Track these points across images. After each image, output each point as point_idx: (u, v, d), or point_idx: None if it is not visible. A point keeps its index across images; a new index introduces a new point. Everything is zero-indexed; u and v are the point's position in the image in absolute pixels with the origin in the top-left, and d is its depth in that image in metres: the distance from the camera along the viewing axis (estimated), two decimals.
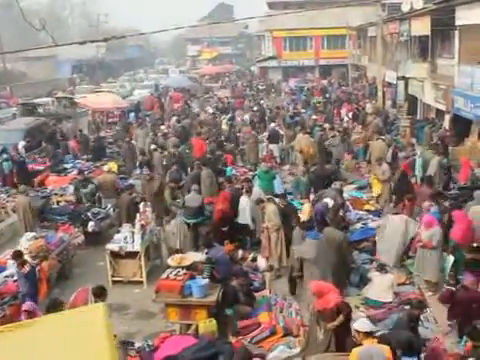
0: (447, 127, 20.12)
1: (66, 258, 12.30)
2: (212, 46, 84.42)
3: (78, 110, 32.63)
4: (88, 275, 11.94)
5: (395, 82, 29.46)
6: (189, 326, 9.50)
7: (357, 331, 7.19)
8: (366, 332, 7.06)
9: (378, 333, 8.18)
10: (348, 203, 14.49)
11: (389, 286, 10.57)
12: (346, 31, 45.00)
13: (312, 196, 14.46)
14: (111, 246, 11.79)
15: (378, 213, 14.69)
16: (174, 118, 25.58)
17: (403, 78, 27.58)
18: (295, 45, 54.57)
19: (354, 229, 13.36)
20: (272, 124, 23.37)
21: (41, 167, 19.27)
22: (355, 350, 6.95)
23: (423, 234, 10.63)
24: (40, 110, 30.82)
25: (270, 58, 55.44)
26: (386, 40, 31.61)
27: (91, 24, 70.20)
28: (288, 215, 12.18)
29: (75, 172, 18.07)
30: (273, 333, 9.22)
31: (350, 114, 25.77)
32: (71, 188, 16.22)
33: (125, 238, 11.83)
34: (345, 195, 14.79)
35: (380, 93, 32.18)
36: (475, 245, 10.29)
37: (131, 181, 17.25)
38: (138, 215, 12.33)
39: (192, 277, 9.70)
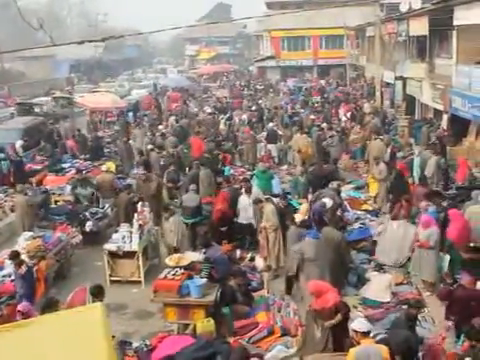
0: (445, 127, 20.14)
1: (64, 258, 12.29)
2: (210, 46, 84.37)
3: (76, 110, 32.59)
4: (86, 275, 11.93)
5: (393, 82, 29.46)
6: (187, 326, 9.51)
7: (355, 331, 7.19)
8: (364, 332, 7.07)
9: (377, 337, 8.19)
10: (346, 203, 14.51)
11: (387, 286, 10.59)
12: (344, 31, 45.02)
13: (310, 196, 14.46)
14: (109, 246, 11.78)
15: (376, 213, 14.73)
16: (172, 118, 25.57)
17: (401, 78, 27.58)
18: (293, 45, 54.56)
19: (352, 229, 13.39)
20: (270, 124, 23.39)
21: (39, 167, 19.25)
22: (352, 350, 6.95)
23: (421, 234, 10.65)
24: (37, 110, 30.79)
25: (268, 58, 55.42)
26: (384, 40, 31.61)
27: (90, 24, 70.24)
28: (285, 215, 12.19)
29: (73, 172, 18.05)
30: (271, 333, 9.24)
31: (348, 114, 25.78)
32: (69, 188, 16.19)
33: (123, 238, 11.83)
34: (343, 195, 14.80)
35: (378, 93, 32.20)
36: (472, 245, 10.31)
37: (129, 181, 17.22)
38: (136, 215, 12.32)
39: (190, 277, 9.69)
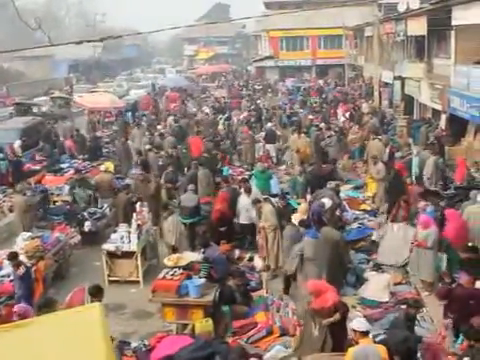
0: (443, 127, 20.16)
1: (62, 258, 12.28)
2: (209, 46, 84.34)
3: (74, 110, 32.56)
4: (84, 275, 11.92)
5: (391, 82, 29.48)
6: (186, 326, 9.51)
7: (354, 330, 7.20)
8: (363, 331, 7.07)
9: (377, 338, 8.20)
10: (345, 203, 14.52)
11: (385, 286, 10.60)
12: (343, 31, 45.03)
13: (308, 196, 14.46)
14: (107, 246, 11.78)
15: (374, 213, 14.74)
16: (171, 118, 25.56)
17: (399, 78, 27.60)
18: (292, 45, 54.58)
19: (350, 229, 13.40)
20: (269, 124, 23.40)
21: (38, 167, 19.24)
22: (351, 349, 6.96)
23: (419, 234, 10.65)
24: (35, 110, 30.77)
25: (267, 58, 55.44)
26: (382, 40, 31.64)
27: (88, 24, 70.14)
28: (284, 215, 12.19)
29: (71, 172, 18.03)
30: (270, 333, 9.23)
31: (347, 114, 25.78)
32: (67, 188, 16.18)
33: (121, 238, 11.83)
34: (342, 195, 14.81)
35: (376, 93, 32.21)
36: (470, 244, 10.32)
37: (128, 181, 17.21)
38: (135, 215, 12.32)
39: (189, 277, 9.70)
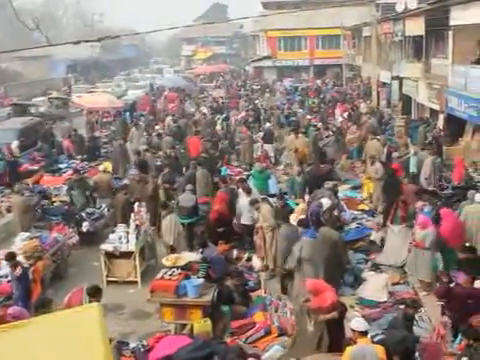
0: (441, 127, 20.19)
1: (61, 258, 12.26)
2: (207, 46, 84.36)
3: (72, 110, 32.54)
4: (83, 275, 11.92)
5: (389, 82, 29.51)
6: (184, 326, 9.51)
7: (352, 330, 7.20)
8: (361, 331, 7.08)
9: (375, 338, 8.21)
10: (343, 203, 14.53)
11: (383, 285, 10.62)
12: (341, 31, 45.04)
13: (307, 196, 14.47)
14: (106, 246, 11.78)
15: (372, 213, 14.75)
16: (169, 118, 25.56)
17: (397, 78, 27.63)
18: (290, 45, 54.58)
19: (349, 229, 13.41)
20: (267, 124, 23.41)
21: (36, 167, 19.21)
22: (349, 349, 6.97)
23: (417, 234, 10.67)
24: (32, 111, 30.74)
25: (265, 58, 55.45)
26: (380, 40, 31.67)
27: (86, 24, 70.10)
28: (281, 215, 12.16)
29: (70, 172, 18.02)
30: (268, 333, 9.23)
31: (345, 114, 25.79)
32: (65, 188, 16.18)
33: (120, 238, 11.83)
34: (340, 195, 14.83)
35: (374, 93, 32.24)
36: (468, 244, 10.34)
37: (126, 181, 17.20)
38: (133, 215, 12.31)
39: (187, 277, 9.70)
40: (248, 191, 13.27)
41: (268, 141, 21.25)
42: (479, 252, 10.42)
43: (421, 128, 20.41)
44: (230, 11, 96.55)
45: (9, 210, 15.07)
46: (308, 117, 25.05)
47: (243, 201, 13.08)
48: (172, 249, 11.96)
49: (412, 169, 15.77)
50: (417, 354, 7.80)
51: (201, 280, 9.57)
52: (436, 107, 21.30)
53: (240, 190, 13.79)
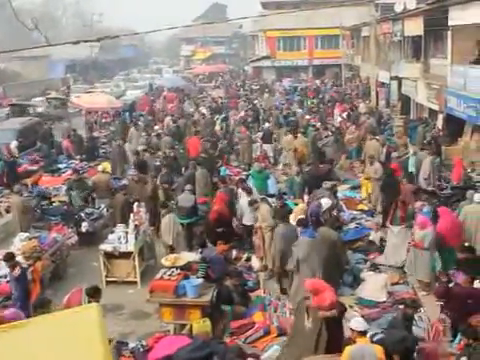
0: (440, 127, 20.20)
1: (60, 258, 12.26)
2: (206, 46, 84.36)
3: (71, 110, 32.53)
4: (82, 275, 11.92)
5: (388, 82, 29.53)
6: (183, 326, 9.50)
7: (351, 329, 7.21)
8: (360, 331, 7.08)
9: (375, 338, 8.21)
10: (342, 203, 14.53)
11: (382, 285, 10.62)
12: (340, 31, 45.06)
13: (306, 196, 14.47)
14: (105, 246, 11.78)
15: (371, 213, 14.76)
16: (168, 118, 25.55)
17: (396, 78, 27.65)
18: (289, 45, 54.58)
19: (348, 229, 13.41)
20: (266, 124, 23.41)
21: (35, 167, 19.19)
22: (348, 348, 6.98)
23: (416, 234, 10.67)
24: (30, 111, 30.72)
25: (264, 58, 55.44)
26: (379, 40, 31.69)
27: (85, 24, 70.08)
28: (280, 215, 12.16)
29: (69, 172, 18.01)
30: (267, 333, 9.24)
31: (344, 114, 25.79)
32: (64, 188, 16.17)
33: (119, 238, 11.82)
34: (339, 195, 14.83)
35: (373, 93, 32.24)
36: (467, 244, 10.35)
37: (125, 181, 17.19)
38: (132, 215, 12.31)
39: (186, 277, 9.70)
40: (249, 191, 13.27)
41: (267, 141, 21.25)
42: (478, 252, 10.45)
43: (420, 128, 20.42)
44: (229, 11, 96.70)
45: (8, 210, 15.06)
46: (307, 117, 25.06)
47: (244, 201, 13.06)
48: (171, 249, 11.97)
49: (411, 169, 15.77)
50: (415, 355, 7.83)
51: (200, 280, 9.57)
52: (435, 107, 21.31)
53: (241, 190, 13.82)
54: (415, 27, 23.21)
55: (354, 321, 7.28)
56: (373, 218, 14.36)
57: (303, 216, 11.83)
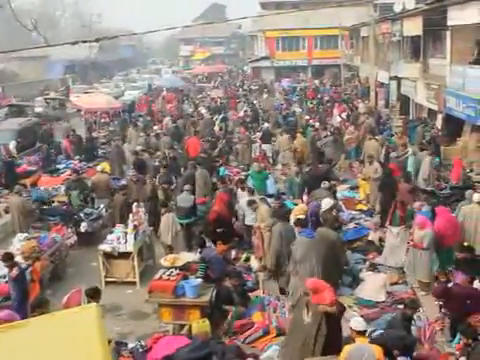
0: (439, 127, 20.21)
1: (59, 259, 12.26)
2: (205, 46, 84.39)
3: (69, 111, 32.51)
4: (81, 276, 11.92)
5: (387, 82, 29.55)
6: (182, 326, 9.51)
7: (351, 329, 7.21)
8: (359, 331, 7.08)
9: (373, 334, 8.21)
10: (341, 203, 14.53)
11: (382, 285, 10.62)
12: (339, 31, 45.08)
13: (305, 197, 14.47)
14: (104, 246, 11.77)
15: (370, 213, 14.76)
16: (167, 118, 25.55)
17: (395, 78, 27.68)
18: (288, 45, 54.62)
19: (347, 229, 13.41)
20: (265, 124, 23.41)
21: (34, 168, 19.17)
22: (347, 347, 6.99)
23: (415, 234, 10.68)
24: (28, 111, 30.70)
25: (263, 58, 55.46)
26: (378, 40, 31.70)
27: (84, 24, 70.08)
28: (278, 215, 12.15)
29: (68, 172, 17.98)
30: (266, 333, 9.25)
31: (343, 114, 25.79)
32: (63, 189, 16.15)
33: (118, 238, 11.81)
34: (338, 195, 14.83)
35: (373, 93, 32.25)
36: (466, 244, 10.35)
37: (124, 182, 17.17)
38: (131, 216, 12.31)
39: (185, 277, 9.70)
40: (251, 191, 13.29)
41: (266, 141, 21.27)
42: (477, 252, 10.46)
43: (419, 128, 20.45)
44: (228, 11, 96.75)
45: (7, 211, 15.03)
46: (306, 117, 25.06)
47: (245, 202, 13.06)
48: (170, 249, 11.98)
49: (409, 169, 15.77)
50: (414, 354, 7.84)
51: (199, 280, 9.57)
52: (434, 107, 21.33)
53: (242, 191, 13.84)
54: (414, 27, 23.22)
55: (354, 321, 7.28)
56: (372, 218, 14.35)
57: (303, 216, 11.83)
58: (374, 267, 11.42)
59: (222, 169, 17.58)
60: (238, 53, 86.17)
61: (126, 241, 11.74)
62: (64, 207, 15.24)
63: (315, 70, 52.59)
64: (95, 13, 72.92)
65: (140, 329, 9.95)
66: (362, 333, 7.10)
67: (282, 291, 10.73)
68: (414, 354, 7.84)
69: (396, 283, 11.06)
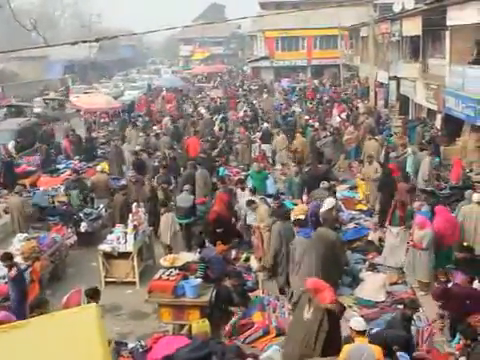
0: (439, 127, 20.22)
1: (59, 259, 12.26)
2: (204, 46, 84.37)
3: (68, 111, 32.49)
4: (81, 276, 11.92)
5: (387, 82, 29.56)
6: (182, 326, 9.51)
7: (351, 329, 7.21)
8: (359, 331, 7.09)
9: (372, 331, 8.21)
10: (340, 203, 14.52)
11: (381, 285, 10.62)
12: (338, 31, 45.08)
13: (305, 197, 14.48)
14: (104, 247, 11.77)
15: (370, 213, 14.76)
16: (167, 119, 25.55)
17: (395, 78, 27.68)
18: (287, 45, 54.60)
19: (347, 229, 13.42)
20: (265, 124, 23.41)
21: (33, 168, 19.16)
22: (346, 346, 6.99)
23: (415, 234, 10.68)
24: (27, 112, 30.69)
25: (262, 58, 55.46)
26: (378, 40, 31.69)
27: (83, 24, 70.07)
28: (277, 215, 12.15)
29: (68, 172, 17.97)
30: (266, 333, 9.26)
31: (343, 114, 25.79)
32: (63, 189, 16.14)
33: (118, 238, 11.81)
34: (338, 195, 14.82)
35: (372, 93, 32.25)
36: (465, 244, 10.36)
37: (124, 182, 17.17)
38: (131, 215, 12.31)
39: (185, 277, 9.70)
40: (253, 191, 13.31)
41: (266, 141, 21.26)
42: (477, 252, 10.46)
43: (419, 128, 20.46)
44: (228, 11, 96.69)
45: (6, 211, 15.02)
46: (306, 117, 25.06)
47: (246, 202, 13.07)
48: (169, 248, 11.98)
49: (408, 169, 15.78)
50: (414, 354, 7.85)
51: (199, 280, 9.57)
52: (434, 107, 21.33)
53: (242, 191, 13.85)
54: (413, 27, 23.23)
55: (354, 321, 7.28)
56: (372, 218, 14.36)
57: (302, 216, 11.83)
58: (374, 267, 11.42)
59: (222, 169, 17.58)
60: (237, 53, 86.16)
61: (126, 241, 11.74)
62: (64, 207, 15.23)
63: (314, 70, 52.59)
64: (95, 13, 72.92)
65: (140, 329, 9.95)
66: (362, 333, 7.10)
67: (282, 291, 10.75)
68: (414, 354, 7.87)
69: (396, 283, 11.07)
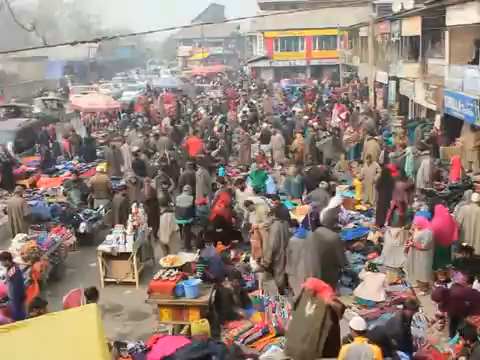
0: (438, 127, 20.22)
1: (58, 259, 12.25)
2: (204, 47, 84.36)
3: (67, 111, 32.46)
4: (80, 276, 11.90)
5: (386, 82, 29.57)
6: (182, 327, 9.50)
7: (351, 329, 7.21)
8: (359, 331, 7.08)
9: (370, 327, 8.20)
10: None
11: (381, 286, 10.61)
12: (337, 31, 45.10)
13: (304, 197, 14.48)
14: (103, 247, 11.76)
15: (369, 213, 14.75)
16: (167, 119, 25.54)
17: (394, 78, 27.70)
18: (286, 45, 54.62)
19: (346, 229, 13.41)
20: (264, 124, 23.41)
21: (33, 168, 19.14)
22: (345, 346, 7.01)
23: (415, 234, 10.68)
24: (26, 112, 30.66)
25: (262, 58, 55.47)
26: (377, 40, 31.71)
27: (83, 25, 70.06)
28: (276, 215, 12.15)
29: (68, 173, 17.96)
30: (266, 333, 9.24)
31: (342, 114, 25.77)
32: (62, 189, 16.13)
33: (117, 239, 11.80)
34: (337, 195, 14.81)
35: (371, 93, 32.26)
36: (465, 244, 10.36)
37: (123, 182, 17.15)
38: (130, 216, 12.31)
39: (185, 278, 9.70)
40: (255, 191, 13.30)
41: (265, 141, 21.26)
42: (476, 252, 10.46)
43: (418, 128, 20.45)
44: (227, 12, 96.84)
45: (6, 211, 14.99)
46: (305, 117, 25.06)
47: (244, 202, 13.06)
48: (167, 248, 11.98)
49: (407, 169, 15.77)
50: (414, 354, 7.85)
51: (199, 280, 9.57)
52: (433, 107, 21.34)
53: (242, 191, 13.85)
54: (413, 27, 23.25)
55: (354, 321, 7.29)
56: (371, 218, 14.36)
57: (302, 217, 11.84)
58: (373, 267, 11.41)
59: (222, 169, 17.59)
60: (237, 53, 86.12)
61: (125, 241, 11.73)
62: (63, 208, 15.21)
63: (314, 70, 52.60)
64: (94, 14, 72.90)
65: (139, 329, 9.94)
66: (361, 333, 7.11)
67: (281, 291, 10.74)
68: (414, 354, 7.87)
69: (395, 283, 11.07)
